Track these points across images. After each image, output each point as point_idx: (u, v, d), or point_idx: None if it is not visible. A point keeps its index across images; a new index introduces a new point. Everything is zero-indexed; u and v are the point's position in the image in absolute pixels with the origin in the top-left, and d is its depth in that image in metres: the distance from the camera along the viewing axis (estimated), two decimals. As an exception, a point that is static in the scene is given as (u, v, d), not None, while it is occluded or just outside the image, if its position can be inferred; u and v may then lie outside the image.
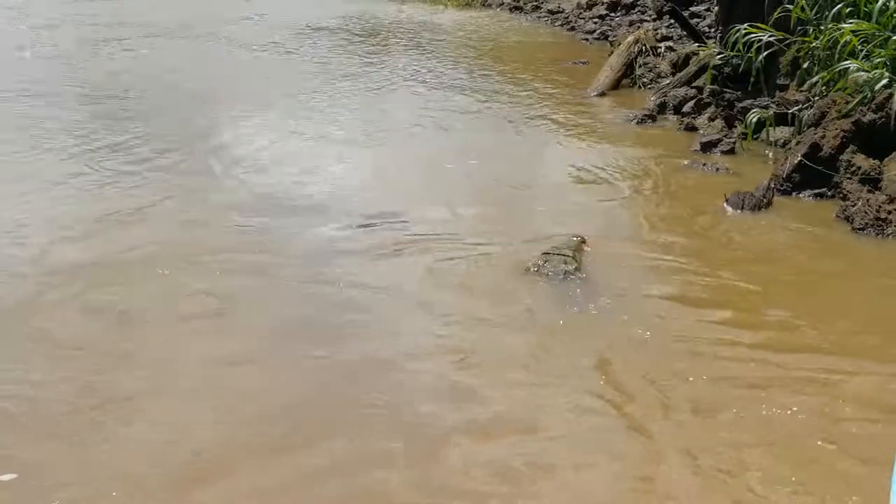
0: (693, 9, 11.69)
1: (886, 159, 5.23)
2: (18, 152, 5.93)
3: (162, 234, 4.55)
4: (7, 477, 2.56)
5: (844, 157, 5.34)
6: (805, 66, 6.77)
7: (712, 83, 7.66)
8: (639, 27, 10.73)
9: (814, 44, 6.46)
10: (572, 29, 12.83)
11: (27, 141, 6.20)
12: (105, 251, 4.29)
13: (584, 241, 4.47)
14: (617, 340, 3.48)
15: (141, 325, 3.56)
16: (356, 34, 12.12)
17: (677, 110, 7.63)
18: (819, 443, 2.79)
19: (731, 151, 6.41)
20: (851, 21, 6.11)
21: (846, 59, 5.90)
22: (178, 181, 5.46)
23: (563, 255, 4.17)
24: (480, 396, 3.06)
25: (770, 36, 6.68)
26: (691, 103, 7.60)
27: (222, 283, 3.93)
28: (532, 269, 4.13)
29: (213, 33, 11.55)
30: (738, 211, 5.12)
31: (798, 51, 6.84)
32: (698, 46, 8.49)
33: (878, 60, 5.72)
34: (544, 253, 4.22)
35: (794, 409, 2.97)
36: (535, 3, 14.80)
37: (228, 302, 3.75)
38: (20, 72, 8.72)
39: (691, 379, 3.18)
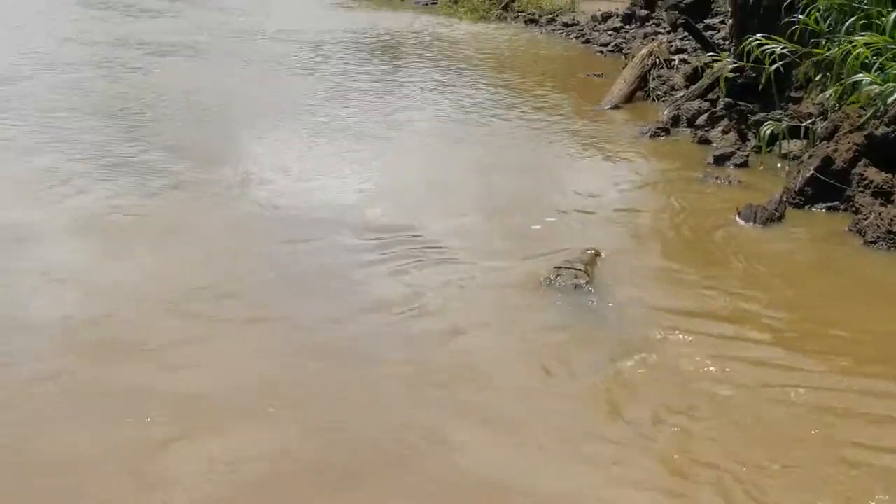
0: (707, 21, 11.72)
1: (899, 172, 5.25)
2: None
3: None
4: None
5: (857, 170, 5.36)
6: (818, 78, 6.78)
7: (727, 95, 7.66)
8: (653, 40, 10.74)
9: (826, 54, 6.46)
10: (587, 41, 12.86)
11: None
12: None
13: (598, 255, 4.52)
14: (617, 350, 3.63)
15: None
16: (367, 47, 12.14)
17: (691, 123, 7.64)
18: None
19: (745, 164, 6.43)
20: (864, 34, 6.12)
21: (859, 72, 5.91)
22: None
23: (575, 269, 4.24)
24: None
25: (783, 48, 6.68)
26: (705, 116, 7.62)
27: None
28: (544, 283, 4.19)
29: (226, 49, 11.60)
30: (751, 224, 5.14)
31: (811, 63, 6.84)
32: (712, 59, 8.50)
33: (891, 73, 5.73)
34: (556, 267, 4.28)
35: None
36: (550, 16, 14.81)
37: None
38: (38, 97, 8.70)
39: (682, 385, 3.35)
